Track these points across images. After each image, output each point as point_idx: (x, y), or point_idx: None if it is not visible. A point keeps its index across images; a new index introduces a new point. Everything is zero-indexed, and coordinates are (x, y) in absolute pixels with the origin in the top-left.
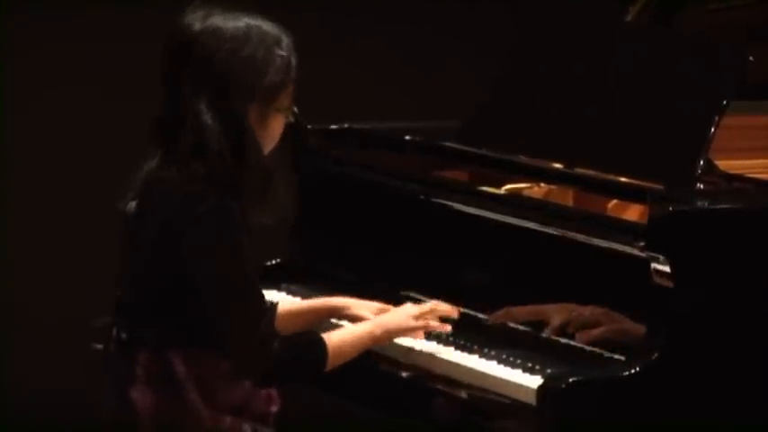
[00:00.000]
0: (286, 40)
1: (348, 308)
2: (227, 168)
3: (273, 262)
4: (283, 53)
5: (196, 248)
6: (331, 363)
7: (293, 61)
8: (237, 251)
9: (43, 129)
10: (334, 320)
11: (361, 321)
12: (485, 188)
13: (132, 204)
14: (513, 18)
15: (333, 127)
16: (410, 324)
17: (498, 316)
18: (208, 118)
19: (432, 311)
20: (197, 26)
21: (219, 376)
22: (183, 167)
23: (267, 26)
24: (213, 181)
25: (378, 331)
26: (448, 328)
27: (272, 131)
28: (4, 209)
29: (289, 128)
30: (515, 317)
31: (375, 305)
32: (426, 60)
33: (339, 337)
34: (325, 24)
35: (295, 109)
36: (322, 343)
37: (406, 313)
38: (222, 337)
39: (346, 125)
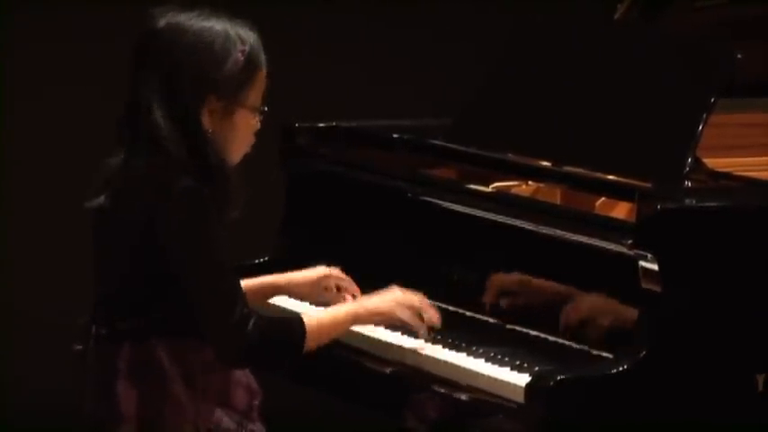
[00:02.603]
0: (253, 38)
1: (288, 284)
2: (184, 163)
3: (261, 260)
4: (245, 48)
5: (169, 232)
6: (313, 342)
7: (260, 59)
8: (209, 234)
9: (41, 128)
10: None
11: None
12: (473, 186)
13: (101, 200)
14: (502, 16)
15: (320, 125)
16: (396, 313)
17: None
18: (158, 114)
19: (420, 303)
20: (160, 23)
21: (202, 365)
22: (149, 160)
23: (232, 25)
24: (180, 170)
25: (362, 311)
26: (428, 328)
27: (240, 129)
28: (3, 209)
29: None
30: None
31: (313, 276)
32: (414, 58)
33: (320, 316)
34: (313, 23)
35: (264, 108)
36: (300, 322)
37: (394, 299)
38: (200, 322)
39: (334, 123)
